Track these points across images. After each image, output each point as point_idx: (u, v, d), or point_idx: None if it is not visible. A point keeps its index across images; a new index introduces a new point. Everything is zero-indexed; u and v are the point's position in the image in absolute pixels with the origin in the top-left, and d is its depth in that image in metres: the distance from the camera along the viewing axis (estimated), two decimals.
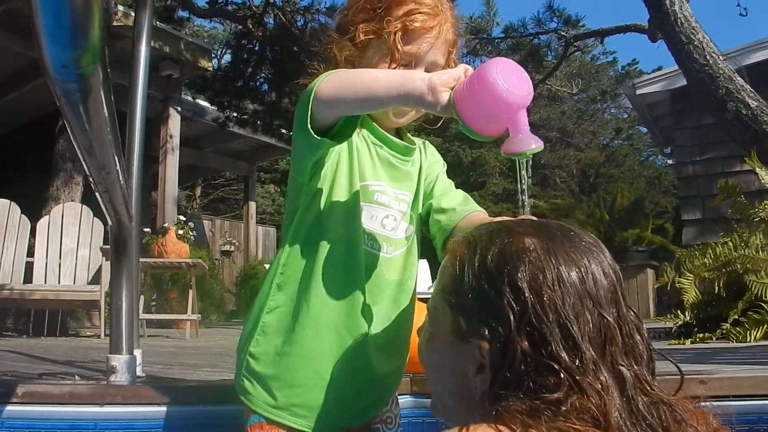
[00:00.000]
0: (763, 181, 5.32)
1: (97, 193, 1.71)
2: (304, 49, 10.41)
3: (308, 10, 11.26)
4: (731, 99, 6.15)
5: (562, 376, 0.93)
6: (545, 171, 26.49)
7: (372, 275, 1.61)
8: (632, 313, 1.03)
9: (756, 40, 9.24)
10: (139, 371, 2.56)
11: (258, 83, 12.46)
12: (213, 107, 12.35)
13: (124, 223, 2.27)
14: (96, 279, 6.76)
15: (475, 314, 1.01)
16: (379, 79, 1.38)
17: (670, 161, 16.73)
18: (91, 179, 1.61)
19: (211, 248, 14.48)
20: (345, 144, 1.58)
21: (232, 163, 16.02)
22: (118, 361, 2.36)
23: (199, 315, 7.52)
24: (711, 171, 9.50)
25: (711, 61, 6.35)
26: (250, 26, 11.30)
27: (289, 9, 11.29)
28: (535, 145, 1.24)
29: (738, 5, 8.64)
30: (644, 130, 27.25)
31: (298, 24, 11.33)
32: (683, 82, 9.10)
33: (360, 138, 1.63)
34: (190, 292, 7.16)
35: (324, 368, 1.56)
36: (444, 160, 1.87)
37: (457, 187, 1.79)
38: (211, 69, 11.70)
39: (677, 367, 1.11)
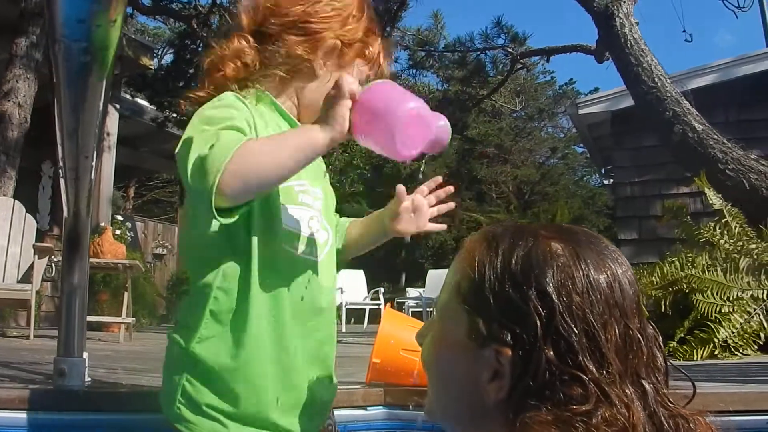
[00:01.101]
0: (711, 202, 5.42)
1: (62, 180, 1.59)
2: None
3: None
4: (678, 122, 6.28)
5: (590, 387, 0.88)
6: (481, 186, 26.77)
7: (309, 282, 1.53)
8: (651, 326, 1.00)
9: (697, 65, 9.45)
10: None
11: (199, 84, 12.24)
12: (152, 107, 12.08)
13: (81, 217, 2.13)
14: (26, 278, 6.48)
15: (496, 319, 0.94)
16: (282, 152, 1.32)
17: (606, 181, 17.06)
18: (61, 164, 1.49)
19: (143, 250, 14.13)
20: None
21: (168, 165, 15.72)
22: (68, 363, 2.22)
23: (134, 318, 7.30)
24: (648, 193, 9.66)
25: (659, 84, 6.48)
26: (195, 26, 11.11)
27: (235, 10, 11.12)
28: (442, 122, 1.26)
29: (684, 31, 8.88)
30: (579, 150, 27.85)
31: None
32: (625, 103, 9.29)
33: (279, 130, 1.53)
34: (125, 294, 6.93)
35: (272, 390, 1.47)
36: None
37: None
38: (152, 67, 11.44)
39: (692, 381, 1.07)
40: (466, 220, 23.83)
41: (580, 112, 10.77)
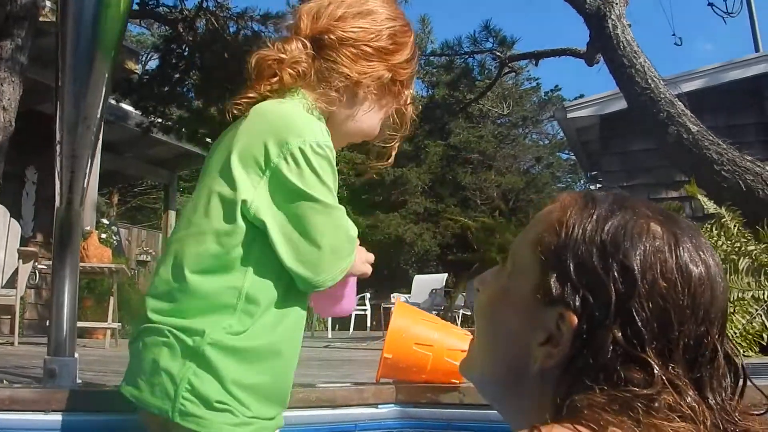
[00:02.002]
0: (705, 206, 5.37)
1: (59, 159, 1.49)
2: (235, 56, 10.18)
3: (241, 17, 11.04)
4: (672, 123, 6.23)
5: (656, 373, 0.80)
6: (466, 192, 26.77)
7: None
8: (731, 344, 0.89)
9: (688, 69, 9.46)
10: None
11: (185, 89, 12.12)
12: (137, 112, 11.93)
13: (74, 206, 2.04)
14: (11, 283, 6.35)
15: (570, 281, 0.85)
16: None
17: (592, 186, 17.10)
18: (59, 137, 1.40)
19: (127, 257, 13.99)
20: None
21: (153, 171, 15.58)
22: (59, 363, 2.11)
23: (120, 324, 7.17)
24: (637, 197, 9.66)
25: (652, 85, 6.43)
26: (181, 30, 11.00)
27: (222, 14, 11.03)
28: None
29: (673, 34, 8.88)
30: (564, 157, 27.90)
31: (231, 30, 11.09)
32: (613, 107, 9.28)
33: None
34: (111, 299, 6.82)
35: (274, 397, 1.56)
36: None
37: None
38: (137, 72, 11.32)
39: (765, 396, 0.96)
40: (450, 226, 23.81)
41: (569, 116, 10.77)
